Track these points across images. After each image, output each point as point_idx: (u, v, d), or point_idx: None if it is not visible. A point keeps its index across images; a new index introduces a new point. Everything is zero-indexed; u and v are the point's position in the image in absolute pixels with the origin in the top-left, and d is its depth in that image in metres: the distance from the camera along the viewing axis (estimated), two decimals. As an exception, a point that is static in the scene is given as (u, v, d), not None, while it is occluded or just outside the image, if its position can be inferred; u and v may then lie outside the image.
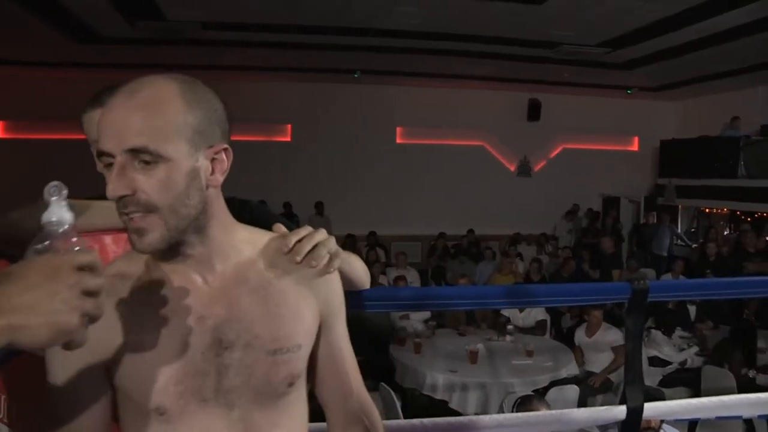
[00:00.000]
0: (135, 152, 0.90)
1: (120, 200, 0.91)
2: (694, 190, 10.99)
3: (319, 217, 11.18)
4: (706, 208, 11.54)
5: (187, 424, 0.99)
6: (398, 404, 4.23)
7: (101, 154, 0.92)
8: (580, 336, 5.66)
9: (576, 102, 12.09)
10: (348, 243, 9.06)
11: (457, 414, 4.73)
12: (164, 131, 0.91)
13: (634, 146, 12.92)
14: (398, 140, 11.97)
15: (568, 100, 12.10)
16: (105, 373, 0.99)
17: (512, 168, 12.65)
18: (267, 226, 1.17)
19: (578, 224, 11.86)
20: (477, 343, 5.52)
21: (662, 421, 2.56)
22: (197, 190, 0.95)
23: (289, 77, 10.92)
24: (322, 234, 1.13)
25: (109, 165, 0.92)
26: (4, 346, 0.70)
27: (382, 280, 7.46)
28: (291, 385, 1.05)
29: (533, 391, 4.98)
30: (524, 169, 12.64)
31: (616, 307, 6.64)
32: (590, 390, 5.19)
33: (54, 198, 0.81)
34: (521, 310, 6.40)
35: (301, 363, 1.07)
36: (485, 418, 1.67)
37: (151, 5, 6.94)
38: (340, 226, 10.35)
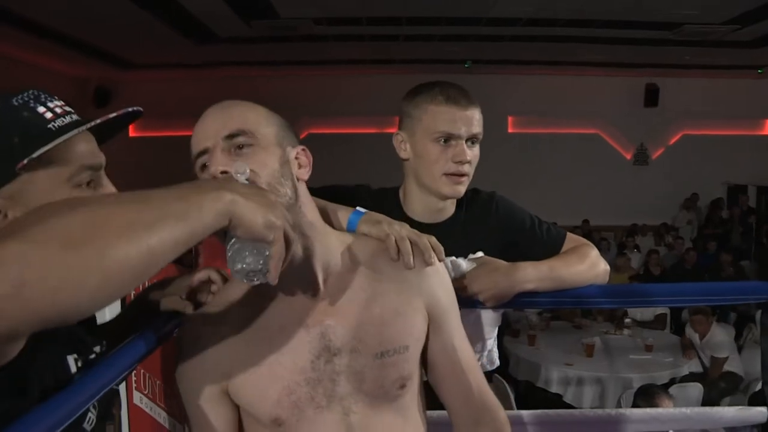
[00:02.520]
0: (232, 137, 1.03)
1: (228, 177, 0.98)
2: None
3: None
4: None
5: (302, 427, 1.02)
6: (512, 396, 4.19)
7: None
8: (691, 335, 5.35)
9: (698, 85, 11.41)
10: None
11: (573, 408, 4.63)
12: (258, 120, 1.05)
13: (764, 130, 12.02)
14: (510, 130, 11.76)
15: (688, 83, 11.43)
16: (225, 391, 1.05)
17: (628, 156, 12.13)
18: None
19: (700, 214, 11.24)
20: (593, 337, 5.38)
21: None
22: (289, 176, 1.02)
23: (399, 69, 10.99)
24: (407, 230, 1.15)
25: None
26: (223, 226, 0.81)
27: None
28: (403, 387, 1.06)
29: (654, 388, 4.82)
30: (641, 158, 12.10)
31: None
32: (715, 388, 4.92)
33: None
34: (640, 304, 6.15)
35: (410, 364, 1.07)
36: (612, 412, 1.63)
37: (265, 4, 7.19)
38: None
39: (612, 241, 9.81)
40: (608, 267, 1.52)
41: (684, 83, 11.44)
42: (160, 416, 1.74)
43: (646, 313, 6.12)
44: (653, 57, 10.02)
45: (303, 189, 1.06)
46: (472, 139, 1.45)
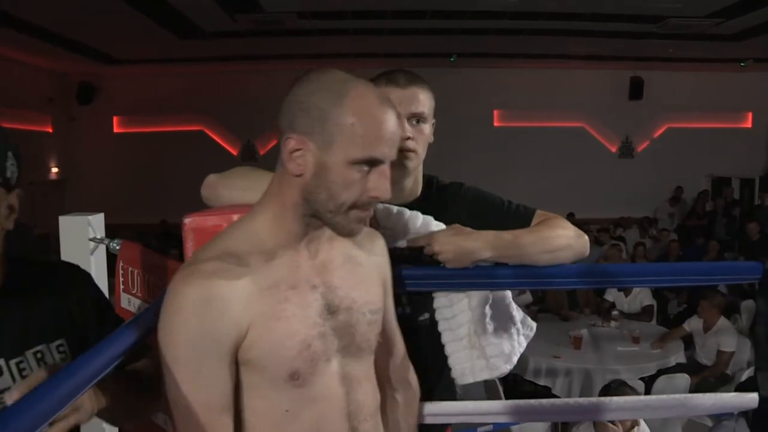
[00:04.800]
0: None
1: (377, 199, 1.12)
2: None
3: (416, 201, 11.21)
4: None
5: (315, 386, 1.09)
6: (501, 389, 4.20)
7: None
8: (694, 326, 5.36)
9: (682, 78, 11.49)
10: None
11: (562, 400, 4.65)
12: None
13: (748, 122, 12.13)
14: (496, 123, 11.79)
15: (673, 76, 11.51)
16: (237, 349, 1.04)
17: (613, 149, 12.19)
18: None
19: (683, 208, 11.33)
20: (581, 329, 5.39)
21: None
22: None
23: (384, 63, 10.95)
24: None
25: None
26: None
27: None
28: (377, 342, 1.22)
29: (640, 379, 4.84)
30: (626, 150, 12.17)
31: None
32: (703, 380, 4.96)
33: None
34: (627, 295, 6.19)
35: (381, 324, 1.23)
36: (603, 400, 1.63)
37: (250, -2, 7.16)
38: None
39: (597, 235, 9.85)
40: (585, 237, 1.53)
41: (668, 76, 11.51)
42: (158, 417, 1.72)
43: (634, 305, 6.15)
44: (638, 50, 10.07)
45: None
46: (415, 118, 1.49)
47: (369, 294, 1.19)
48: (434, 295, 1.54)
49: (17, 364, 1.10)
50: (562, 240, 1.49)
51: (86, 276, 1.31)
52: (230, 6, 7.46)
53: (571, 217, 10.65)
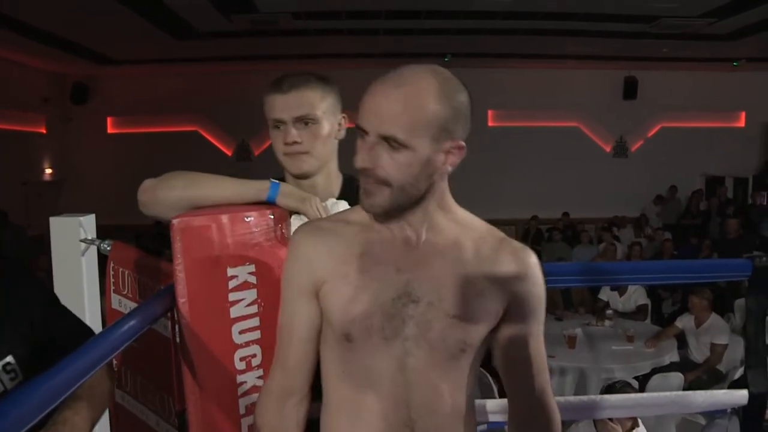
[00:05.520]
0: (386, 138, 1.07)
1: (362, 170, 1.11)
2: (808, 167, 10.27)
3: (412, 202, 11.21)
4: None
5: (369, 355, 1.15)
6: (495, 388, 4.21)
7: (359, 129, 1.10)
8: (686, 323, 5.39)
9: (676, 78, 11.52)
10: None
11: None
12: (416, 126, 1.07)
13: (741, 122, 12.17)
14: (490, 123, 11.78)
15: (667, 76, 11.54)
16: (317, 293, 1.19)
17: (608, 149, 12.22)
18: None
19: (673, 207, 11.35)
20: (575, 328, 5.40)
21: None
22: (427, 176, 1.11)
23: (379, 64, 10.96)
24: (317, 204, 1.47)
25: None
26: None
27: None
28: (462, 351, 1.16)
29: (634, 378, 4.85)
30: (620, 150, 12.19)
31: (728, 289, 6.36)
32: (697, 379, 4.97)
33: None
34: (621, 294, 6.20)
35: (474, 335, 1.16)
36: (596, 398, 1.64)
37: (243, -1, 7.16)
38: (433, 211, 10.35)
39: (593, 234, 9.88)
40: None
41: (662, 76, 11.54)
42: (143, 413, 1.72)
43: (628, 304, 6.17)
44: (632, 50, 10.09)
45: (438, 178, 1.18)
46: (303, 121, 1.49)
47: (464, 300, 1.15)
48: None
49: None
50: None
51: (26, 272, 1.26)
52: (225, 6, 7.46)
53: (566, 217, 10.70)
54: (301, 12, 7.85)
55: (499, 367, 1.25)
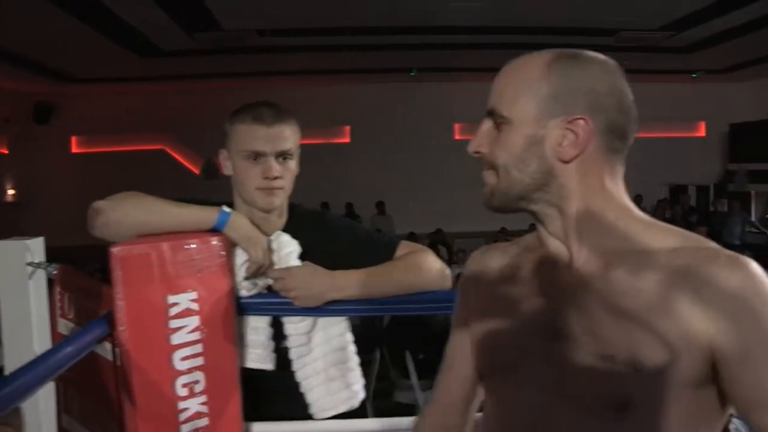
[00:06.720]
0: (491, 114, 0.94)
1: (476, 157, 0.96)
2: (767, 175, 10.53)
3: (382, 216, 11.24)
4: (781, 193, 11.04)
5: (501, 396, 0.99)
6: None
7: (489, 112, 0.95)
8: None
9: (636, 89, 11.54)
10: (409, 242, 9.10)
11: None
12: (513, 94, 0.93)
13: (701, 132, 12.46)
14: (456, 136, 11.90)
15: (632, 88, 11.75)
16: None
17: (573, 161, 12.40)
18: None
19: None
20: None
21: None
22: (537, 157, 0.91)
23: (345, 79, 11.02)
24: (262, 252, 1.45)
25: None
26: None
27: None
28: (618, 411, 0.84)
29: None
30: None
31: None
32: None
33: None
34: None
35: (635, 386, 0.84)
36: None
37: (206, 16, 7.14)
38: (403, 224, 10.39)
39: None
40: (447, 271, 1.53)
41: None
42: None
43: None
44: (594, 62, 10.26)
45: (572, 168, 0.96)
46: (282, 155, 1.49)
47: (618, 333, 0.85)
48: (286, 332, 1.49)
49: None
50: (419, 279, 1.49)
51: None
52: (188, 24, 7.44)
53: (533, 229, 10.78)
54: (266, 29, 7.87)
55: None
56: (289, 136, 1.50)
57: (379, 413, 1.41)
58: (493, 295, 1.01)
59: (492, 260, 1.06)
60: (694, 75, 11.41)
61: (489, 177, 0.95)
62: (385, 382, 5.38)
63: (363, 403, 1.62)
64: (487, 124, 0.95)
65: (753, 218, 10.98)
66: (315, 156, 11.37)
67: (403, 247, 1.57)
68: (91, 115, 11.15)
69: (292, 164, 1.52)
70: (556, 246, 0.95)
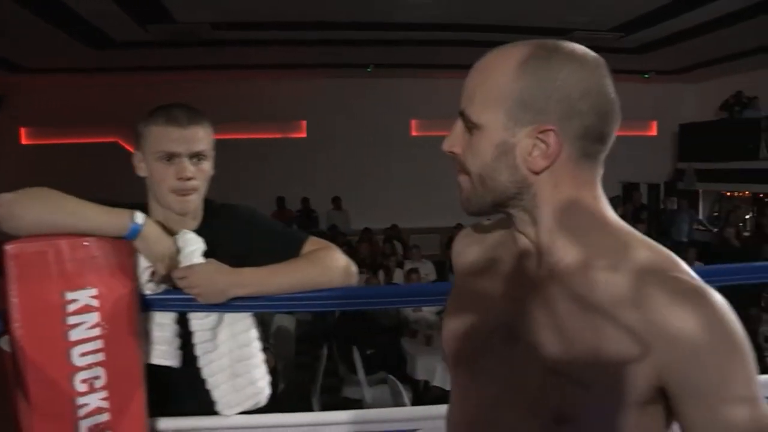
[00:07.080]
0: (461, 115, 0.92)
1: (452, 156, 0.94)
2: (714, 174, 10.81)
3: (338, 211, 11.24)
4: (727, 192, 11.35)
5: (462, 386, 0.99)
6: (405, 394, 4.26)
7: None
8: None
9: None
10: (364, 237, 9.11)
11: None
12: (482, 99, 0.89)
13: (653, 131, 12.75)
14: (413, 133, 11.96)
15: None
16: None
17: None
18: None
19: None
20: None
21: None
22: (508, 167, 0.89)
23: (301, 74, 10.98)
24: (169, 263, 1.44)
25: None
26: None
27: (398, 273, 7.54)
28: (558, 423, 0.85)
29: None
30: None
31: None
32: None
33: None
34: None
35: (578, 403, 0.83)
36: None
37: (158, 8, 7.04)
38: (359, 220, 10.42)
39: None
40: (352, 268, 1.56)
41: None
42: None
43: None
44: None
45: (543, 179, 0.94)
46: (196, 156, 1.50)
47: (570, 350, 0.84)
48: (192, 328, 1.49)
49: None
50: (324, 276, 1.51)
51: None
52: (140, 16, 7.33)
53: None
54: (221, 22, 7.79)
55: None
56: (203, 137, 1.51)
57: (326, 409, 1.41)
58: (465, 285, 1.04)
59: (469, 249, 1.08)
60: (645, 76, 11.66)
61: (464, 182, 0.93)
62: (334, 379, 5.42)
63: (278, 399, 1.64)
64: (460, 125, 0.93)
65: (700, 216, 11.30)
66: (271, 150, 11.44)
67: (311, 244, 1.60)
68: (43, 106, 10.91)
69: (207, 165, 1.53)
70: (528, 248, 0.94)
